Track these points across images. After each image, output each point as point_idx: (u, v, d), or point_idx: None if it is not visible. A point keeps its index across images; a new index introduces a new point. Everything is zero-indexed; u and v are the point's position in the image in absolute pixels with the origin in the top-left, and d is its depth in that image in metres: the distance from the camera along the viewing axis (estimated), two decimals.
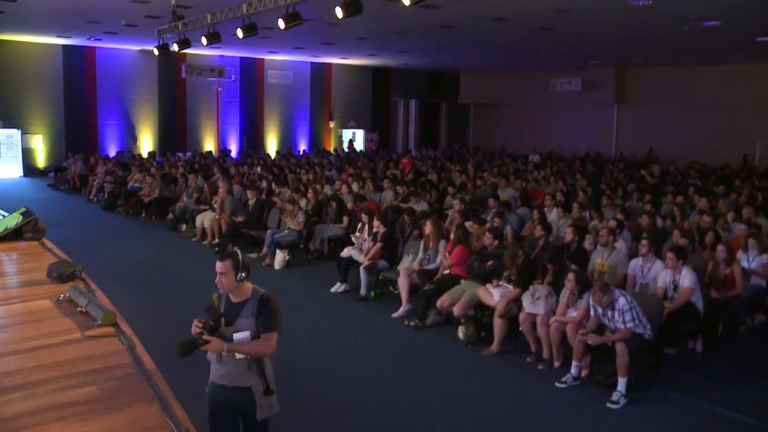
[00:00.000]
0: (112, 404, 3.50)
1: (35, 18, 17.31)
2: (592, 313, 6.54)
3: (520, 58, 25.90)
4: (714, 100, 25.37)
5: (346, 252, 10.06)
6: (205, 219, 13.08)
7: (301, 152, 28.14)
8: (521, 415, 6.10)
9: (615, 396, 6.18)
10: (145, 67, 25.30)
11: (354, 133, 30.99)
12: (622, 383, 6.20)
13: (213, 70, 26.82)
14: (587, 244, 8.67)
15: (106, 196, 17.41)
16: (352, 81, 31.01)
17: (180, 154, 23.76)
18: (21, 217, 7.35)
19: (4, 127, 22.96)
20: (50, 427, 3.25)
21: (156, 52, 16.25)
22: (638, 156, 26.18)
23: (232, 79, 27.55)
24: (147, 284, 10.13)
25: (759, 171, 20.88)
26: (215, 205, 12.98)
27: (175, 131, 26.46)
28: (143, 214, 15.84)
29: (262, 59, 28.17)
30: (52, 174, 22.25)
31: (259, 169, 18.77)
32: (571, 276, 6.84)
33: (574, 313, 6.80)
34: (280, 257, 11.28)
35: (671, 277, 7.24)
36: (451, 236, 8.87)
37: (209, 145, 27.15)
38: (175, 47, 15.14)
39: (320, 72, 29.92)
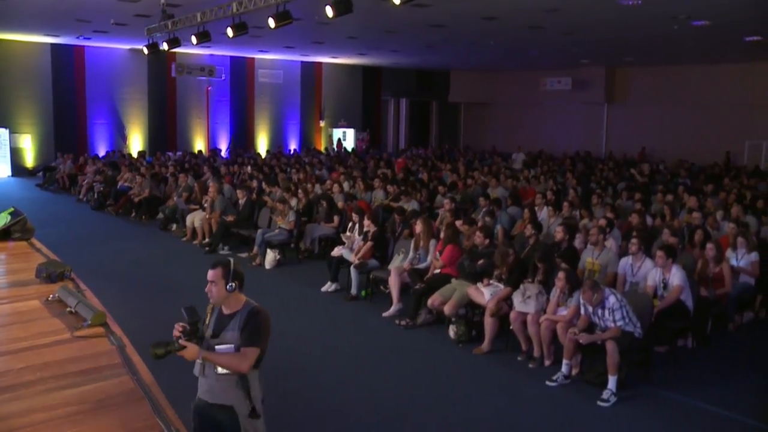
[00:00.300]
0: (102, 405, 3.49)
1: (23, 16, 17.21)
2: (582, 311, 6.56)
3: (510, 58, 25.97)
4: (703, 100, 25.53)
5: (337, 251, 10.04)
6: (195, 218, 13.04)
7: (292, 151, 28.12)
8: (512, 414, 6.11)
9: (605, 394, 6.20)
10: (134, 66, 25.22)
11: (344, 133, 30.99)
12: (612, 381, 6.22)
13: (203, 69, 26.76)
14: (577, 242, 8.70)
15: (95, 196, 17.33)
16: (343, 80, 31.00)
17: (170, 154, 23.71)
18: (9, 217, 7.30)
19: None
20: (39, 429, 3.23)
21: (146, 51, 16.21)
22: (628, 155, 26.31)
23: (222, 78, 27.50)
24: (137, 284, 10.08)
25: (748, 170, 21.03)
26: (205, 205, 12.94)
27: (165, 130, 26.39)
28: (133, 214, 15.78)
29: (253, 58, 28.12)
30: (40, 174, 22.16)
31: (249, 168, 18.74)
32: (561, 275, 6.86)
33: (564, 312, 6.81)
34: (270, 257, 11.26)
35: (661, 276, 7.26)
36: (441, 235, 8.88)
37: (199, 144, 27.08)
38: (164, 46, 15.10)
39: (310, 71, 29.90)
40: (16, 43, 22.88)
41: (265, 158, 23.26)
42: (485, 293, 7.56)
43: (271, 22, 11.13)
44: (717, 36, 17.76)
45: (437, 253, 8.70)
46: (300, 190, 13.14)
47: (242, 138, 28.20)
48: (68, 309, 4.80)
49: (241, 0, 11.71)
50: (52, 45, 23.49)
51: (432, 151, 29.65)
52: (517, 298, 7.22)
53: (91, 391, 3.62)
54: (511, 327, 7.28)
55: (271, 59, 28.48)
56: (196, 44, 13.92)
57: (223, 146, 27.44)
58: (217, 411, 3.72)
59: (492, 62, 28.36)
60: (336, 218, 11.89)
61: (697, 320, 7.41)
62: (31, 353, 4.11)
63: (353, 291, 9.46)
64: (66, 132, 24.21)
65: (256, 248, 11.56)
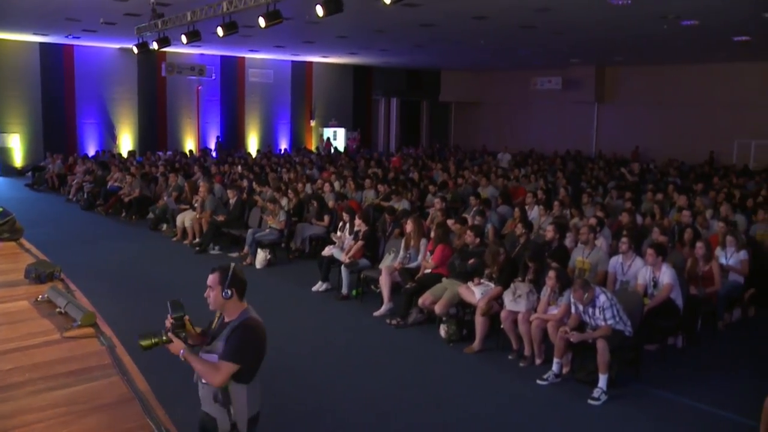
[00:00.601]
0: (92, 406, 3.46)
1: (11, 15, 17.11)
2: (573, 310, 6.58)
3: (500, 57, 26.01)
4: (693, 99, 25.67)
5: (328, 251, 10.03)
6: (185, 218, 13.00)
7: (282, 151, 28.07)
8: (503, 413, 6.11)
9: (596, 392, 6.22)
10: (124, 66, 25.12)
11: (335, 132, 30.96)
12: (603, 380, 6.24)
13: (193, 68, 26.68)
14: (568, 241, 8.72)
15: (85, 196, 17.26)
16: (333, 79, 30.98)
17: (160, 153, 23.62)
18: None
19: None
20: (28, 430, 3.20)
21: (135, 50, 16.14)
22: (619, 154, 26.41)
23: (213, 77, 27.43)
24: (127, 284, 10.04)
25: (737, 169, 21.17)
26: (196, 205, 12.90)
27: (156, 130, 26.31)
28: (123, 214, 15.72)
29: (243, 58, 28.06)
30: (30, 173, 22.02)
31: (239, 168, 18.70)
32: (551, 273, 6.88)
33: (555, 311, 6.83)
34: (261, 256, 11.24)
35: (651, 274, 7.29)
36: (432, 235, 8.88)
37: (190, 144, 27.00)
38: (154, 45, 15.05)
39: (301, 70, 29.87)
40: (4, 42, 22.73)
41: (255, 158, 23.22)
42: (476, 292, 7.57)
43: (262, 22, 11.11)
44: (706, 36, 17.86)
45: (428, 252, 8.71)
46: (290, 190, 13.12)
47: (233, 137, 28.14)
48: (58, 309, 4.77)
49: None
50: (41, 44, 23.36)
51: (423, 150, 29.67)
52: (507, 297, 7.23)
53: (81, 392, 3.59)
54: (501, 326, 7.30)
55: (261, 59, 28.43)
56: (186, 43, 13.88)
57: (211, 146, 27.37)
58: (205, 419, 3.67)
59: (482, 62, 28.41)
60: (326, 218, 11.88)
61: (687, 319, 7.44)
62: (20, 354, 4.07)
63: (344, 290, 9.46)
64: (55, 131, 24.09)
65: (246, 248, 11.54)
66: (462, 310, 7.93)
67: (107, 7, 15.13)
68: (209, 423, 3.64)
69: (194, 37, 13.46)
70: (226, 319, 3.66)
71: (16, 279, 5.60)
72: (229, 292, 3.59)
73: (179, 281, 10.04)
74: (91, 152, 24.06)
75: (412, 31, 18.34)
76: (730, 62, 24.17)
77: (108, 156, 22.40)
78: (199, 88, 27.11)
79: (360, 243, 9.58)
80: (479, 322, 7.43)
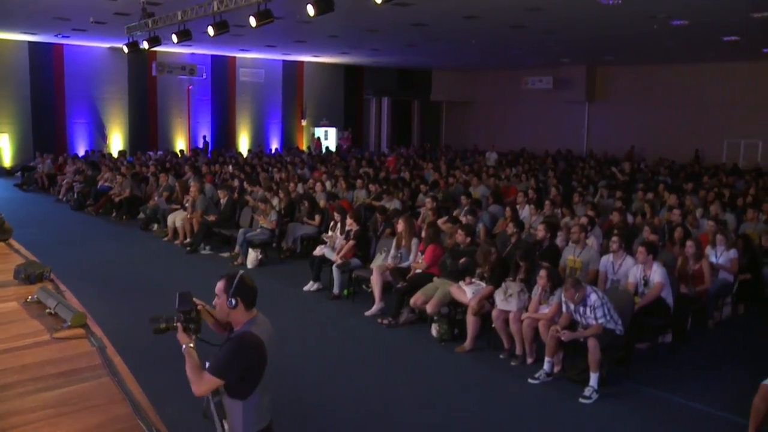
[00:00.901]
0: (82, 407, 3.45)
1: (0, 14, 16.99)
2: (564, 309, 6.60)
3: (491, 56, 26.05)
4: (683, 99, 25.77)
5: (319, 250, 10.03)
6: (176, 218, 12.96)
7: (273, 151, 28.02)
8: (494, 412, 6.12)
9: (587, 391, 6.24)
10: (114, 65, 25.02)
11: (326, 131, 30.94)
12: (594, 378, 6.27)
13: (184, 68, 26.59)
14: (559, 240, 8.75)
15: (75, 196, 17.17)
16: (324, 79, 30.96)
17: (151, 153, 23.53)
18: None
19: None
20: None
21: (125, 49, 16.06)
22: (610, 153, 26.49)
23: (204, 77, 27.36)
24: (118, 285, 10.00)
25: (726, 168, 21.29)
26: (187, 205, 12.87)
27: (146, 130, 26.22)
28: (113, 214, 15.65)
29: (234, 57, 28.00)
30: (19, 173, 21.91)
31: (230, 167, 18.66)
32: (543, 273, 6.89)
33: (546, 310, 6.85)
34: (252, 256, 11.22)
35: (642, 273, 7.32)
36: (423, 234, 8.89)
37: (180, 143, 26.92)
38: (145, 45, 14.98)
39: (292, 70, 29.83)
40: None
41: (246, 157, 23.16)
42: (467, 292, 7.58)
43: (252, 21, 11.08)
44: (696, 36, 17.93)
45: (420, 252, 8.71)
46: (281, 190, 13.10)
47: (224, 137, 28.07)
48: (47, 310, 4.74)
49: None
50: (30, 43, 23.23)
51: (414, 150, 29.68)
52: (499, 297, 7.25)
53: (71, 393, 3.58)
54: (493, 325, 7.31)
55: (252, 58, 28.37)
56: (177, 43, 13.83)
57: (200, 145, 27.30)
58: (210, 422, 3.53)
59: (474, 61, 28.43)
60: (318, 217, 11.87)
61: (677, 317, 7.48)
62: (9, 355, 4.05)
63: (335, 290, 9.45)
64: (45, 131, 23.96)
65: (237, 248, 11.51)
66: (453, 309, 7.93)
67: (97, 6, 15.06)
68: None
69: (185, 37, 13.42)
70: (236, 328, 3.49)
71: (5, 280, 5.56)
72: (234, 301, 3.42)
73: (170, 281, 10.01)
74: (81, 152, 23.93)
75: (404, 30, 18.34)
76: (719, 62, 24.28)
77: (98, 156, 22.29)
78: (190, 87, 27.03)
79: (351, 243, 9.57)
80: (470, 321, 7.44)
